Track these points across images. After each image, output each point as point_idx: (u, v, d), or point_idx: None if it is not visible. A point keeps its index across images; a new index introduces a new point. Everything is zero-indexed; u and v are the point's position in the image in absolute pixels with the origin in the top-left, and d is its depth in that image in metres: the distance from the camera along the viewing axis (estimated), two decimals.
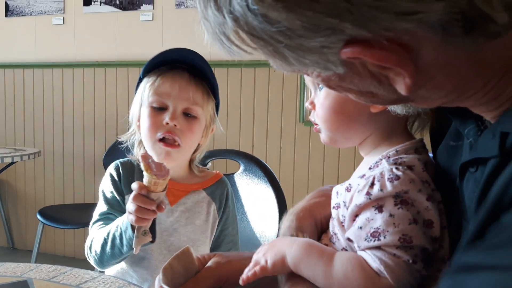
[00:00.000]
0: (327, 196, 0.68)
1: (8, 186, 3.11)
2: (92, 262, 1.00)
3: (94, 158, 2.87)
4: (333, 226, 0.62)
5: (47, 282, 0.82)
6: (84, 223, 2.27)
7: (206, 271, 0.69)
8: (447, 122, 0.58)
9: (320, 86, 0.63)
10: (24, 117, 3.02)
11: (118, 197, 1.04)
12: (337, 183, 0.65)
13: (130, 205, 0.86)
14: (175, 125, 0.98)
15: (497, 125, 0.41)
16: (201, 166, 1.14)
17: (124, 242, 0.91)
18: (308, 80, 0.65)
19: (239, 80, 2.54)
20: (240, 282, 0.62)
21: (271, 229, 1.24)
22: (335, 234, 0.61)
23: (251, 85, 2.55)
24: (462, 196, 0.49)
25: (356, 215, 0.56)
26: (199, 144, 1.08)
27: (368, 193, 0.54)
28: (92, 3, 2.81)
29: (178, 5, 2.64)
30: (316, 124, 0.65)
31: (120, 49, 2.78)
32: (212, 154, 1.29)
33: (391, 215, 0.52)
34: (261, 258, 0.62)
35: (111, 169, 1.08)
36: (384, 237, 0.52)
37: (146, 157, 0.85)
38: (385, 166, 0.56)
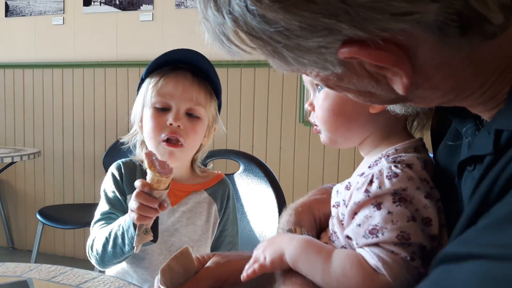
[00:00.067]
0: (327, 194, 0.68)
1: (8, 186, 3.11)
2: (93, 261, 1.00)
3: (94, 158, 2.87)
4: (333, 224, 0.62)
5: (47, 282, 0.82)
6: (84, 223, 2.27)
7: (205, 271, 0.70)
8: (448, 122, 0.58)
9: (319, 87, 0.64)
10: (24, 117, 3.02)
11: (120, 197, 1.04)
12: (337, 183, 0.66)
13: (132, 203, 0.86)
14: (178, 125, 0.99)
15: (492, 123, 0.42)
16: (202, 166, 1.14)
17: (126, 241, 0.91)
18: (307, 81, 0.66)
19: (239, 80, 2.54)
20: (242, 278, 0.62)
21: (270, 229, 1.24)
22: (335, 232, 0.61)
23: (251, 85, 2.55)
24: (460, 195, 0.49)
25: (355, 213, 0.56)
26: (201, 144, 1.08)
27: (366, 191, 0.54)
28: (92, 3, 2.81)
29: (178, 5, 2.64)
30: (316, 125, 0.66)
31: (120, 49, 2.78)
32: (212, 154, 1.30)
33: (389, 212, 0.52)
34: (260, 255, 0.62)
35: (113, 168, 1.08)
36: (382, 234, 0.52)
37: (150, 154, 0.86)
38: (384, 164, 0.56)
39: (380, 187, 0.54)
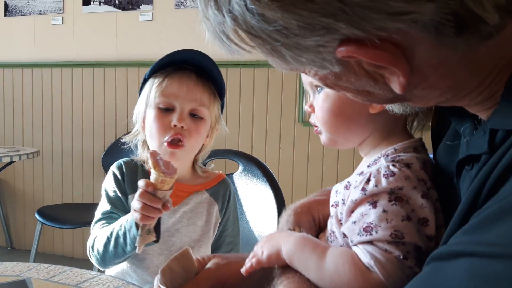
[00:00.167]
0: (329, 195, 0.68)
1: (7, 186, 3.11)
2: (94, 261, 0.99)
3: (93, 158, 2.87)
4: (331, 224, 0.62)
5: (45, 281, 0.82)
6: (82, 223, 2.27)
7: (205, 272, 0.70)
8: (447, 122, 0.58)
9: (318, 89, 0.64)
10: (23, 116, 3.02)
11: (121, 196, 1.04)
12: (337, 183, 0.66)
13: (135, 203, 0.86)
14: (182, 126, 0.99)
15: (488, 122, 0.42)
16: (203, 166, 1.14)
17: (128, 241, 0.90)
18: (306, 83, 0.66)
19: (238, 80, 2.54)
20: (242, 272, 0.63)
21: (269, 229, 1.24)
22: (333, 232, 0.62)
23: (250, 85, 2.55)
24: (459, 194, 0.50)
25: (352, 211, 0.56)
26: (203, 145, 1.08)
27: (363, 189, 0.55)
28: (92, 3, 2.81)
29: (178, 5, 2.64)
30: (316, 127, 0.66)
31: (119, 49, 2.79)
32: (211, 154, 1.29)
33: (384, 211, 0.52)
34: (259, 250, 0.63)
35: (114, 168, 1.07)
36: (376, 232, 0.52)
37: (154, 154, 0.85)
38: (382, 163, 0.57)
39: (376, 186, 0.54)
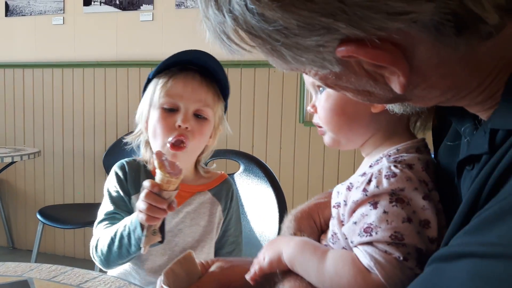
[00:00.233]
0: (329, 197, 0.68)
1: (8, 186, 3.11)
2: (97, 262, 0.99)
3: (94, 158, 2.87)
4: (333, 225, 0.62)
5: (47, 281, 0.82)
6: (84, 223, 2.27)
7: (209, 276, 0.70)
8: (448, 122, 0.58)
9: (320, 89, 0.64)
10: (24, 117, 3.03)
11: (124, 197, 1.04)
12: (337, 183, 0.66)
13: (141, 203, 0.86)
14: (186, 127, 0.98)
15: (488, 122, 0.42)
16: (205, 167, 1.14)
17: (132, 241, 0.90)
18: (308, 83, 0.66)
19: (239, 80, 2.54)
20: (249, 280, 0.63)
21: (271, 229, 1.24)
22: (335, 233, 0.61)
23: (251, 85, 2.55)
24: (459, 195, 0.50)
25: (354, 211, 0.56)
26: (206, 145, 1.08)
27: (364, 190, 0.55)
28: (92, 3, 2.81)
29: (178, 5, 2.64)
30: (320, 127, 0.66)
31: (120, 49, 2.79)
32: (212, 154, 1.29)
33: (385, 212, 0.52)
34: (261, 256, 0.63)
35: (116, 168, 1.07)
36: (376, 233, 0.52)
37: (160, 154, 0.85)
38: (384, 163, 0.57)
39: (377, 186, 0.54)
